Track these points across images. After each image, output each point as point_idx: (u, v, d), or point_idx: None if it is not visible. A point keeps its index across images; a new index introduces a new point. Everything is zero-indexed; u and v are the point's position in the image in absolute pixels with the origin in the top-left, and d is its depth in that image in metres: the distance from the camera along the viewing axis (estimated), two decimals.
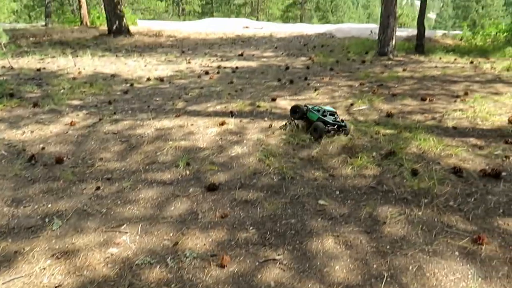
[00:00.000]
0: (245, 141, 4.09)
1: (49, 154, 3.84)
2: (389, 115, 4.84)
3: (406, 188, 3.05)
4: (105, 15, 16.07)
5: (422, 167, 3.38)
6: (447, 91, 6.15)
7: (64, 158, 3.72)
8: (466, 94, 5.86)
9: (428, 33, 13.43)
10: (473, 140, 3.98)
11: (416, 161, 3.50)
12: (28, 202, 2.98)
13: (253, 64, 9.31)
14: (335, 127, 4.14)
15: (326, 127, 4.06)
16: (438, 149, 3.72)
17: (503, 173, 3.21)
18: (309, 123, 4.31)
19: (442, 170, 3.31)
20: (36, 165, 3.60)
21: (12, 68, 8.26)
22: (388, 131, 4.27)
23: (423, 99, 5.60)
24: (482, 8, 50.17)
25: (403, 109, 5.19)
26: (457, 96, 5.77)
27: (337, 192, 3.05)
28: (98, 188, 3.18)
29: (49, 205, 2.93)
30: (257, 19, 44.20)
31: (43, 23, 23.39)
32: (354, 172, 3.36)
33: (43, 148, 3.97)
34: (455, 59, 9.82)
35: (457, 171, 3.23)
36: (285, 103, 5.51)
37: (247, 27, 20.49)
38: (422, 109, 5.16)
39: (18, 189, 3.17)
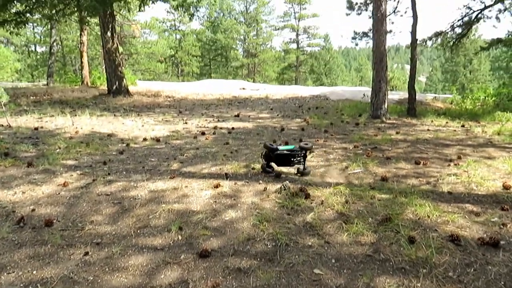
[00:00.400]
0: (239, 205, 4.04)
1: (39, 216, 3.76)
2: (384, 179, 4.84)
3: (403, 257, 2.97)
4: (105, 76, 16.58)
5: (419, 234, 3.32)
6: (441, 155, 6.22)
7: (54, 221, 3.63)
8: (459, 158, 5.93)
9: (419, 96, 13.90)
10: (469, 206, 3.95)
11: (413, 228, 3.45)
12: (12, 268, 2.87)
13: (249, 125, 9.47)
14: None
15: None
16: (435, 215, 3.68)
17: (501, 242, 3.15)
18: (281, 158, 5.06)
19: (440, 237, 3.25)
20: (24, 228, 3.51)
21: (10, 126, 8.34)
22: (383, 196, 4.25)
23: (417, 163, 5.64)
24: (470, 73, 52.32)
25: (397, 173, 5.21)
26: (451, 160, 5.82)
27: (333, 261, 2.97)
28: (86, 253, 3.07)
29: (34, 272, 2.81)
30: (254, 81, 45.81)
31: (45, 82, 24.04)
32: (350, 239, 3.29)
33: (33, 210, 3.89)
34: (447, 123, 10.06)
35: (454, 239, 3.18)
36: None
37: (243, 88, 21.12)
38: (416, 173, 5.18)
39: (3, 254, 3.06)
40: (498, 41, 15.04)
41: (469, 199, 4.16)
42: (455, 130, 8.76)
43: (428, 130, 8.77)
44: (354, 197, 4.19)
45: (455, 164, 5.57)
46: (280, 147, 5.18)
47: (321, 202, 4.07)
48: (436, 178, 4.93)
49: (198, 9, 16.15)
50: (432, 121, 10.29)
